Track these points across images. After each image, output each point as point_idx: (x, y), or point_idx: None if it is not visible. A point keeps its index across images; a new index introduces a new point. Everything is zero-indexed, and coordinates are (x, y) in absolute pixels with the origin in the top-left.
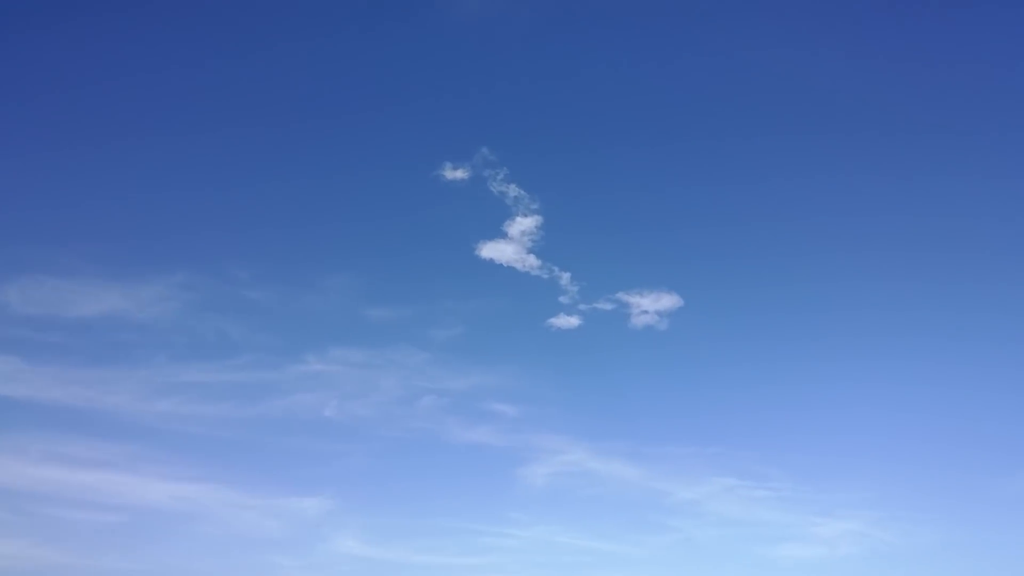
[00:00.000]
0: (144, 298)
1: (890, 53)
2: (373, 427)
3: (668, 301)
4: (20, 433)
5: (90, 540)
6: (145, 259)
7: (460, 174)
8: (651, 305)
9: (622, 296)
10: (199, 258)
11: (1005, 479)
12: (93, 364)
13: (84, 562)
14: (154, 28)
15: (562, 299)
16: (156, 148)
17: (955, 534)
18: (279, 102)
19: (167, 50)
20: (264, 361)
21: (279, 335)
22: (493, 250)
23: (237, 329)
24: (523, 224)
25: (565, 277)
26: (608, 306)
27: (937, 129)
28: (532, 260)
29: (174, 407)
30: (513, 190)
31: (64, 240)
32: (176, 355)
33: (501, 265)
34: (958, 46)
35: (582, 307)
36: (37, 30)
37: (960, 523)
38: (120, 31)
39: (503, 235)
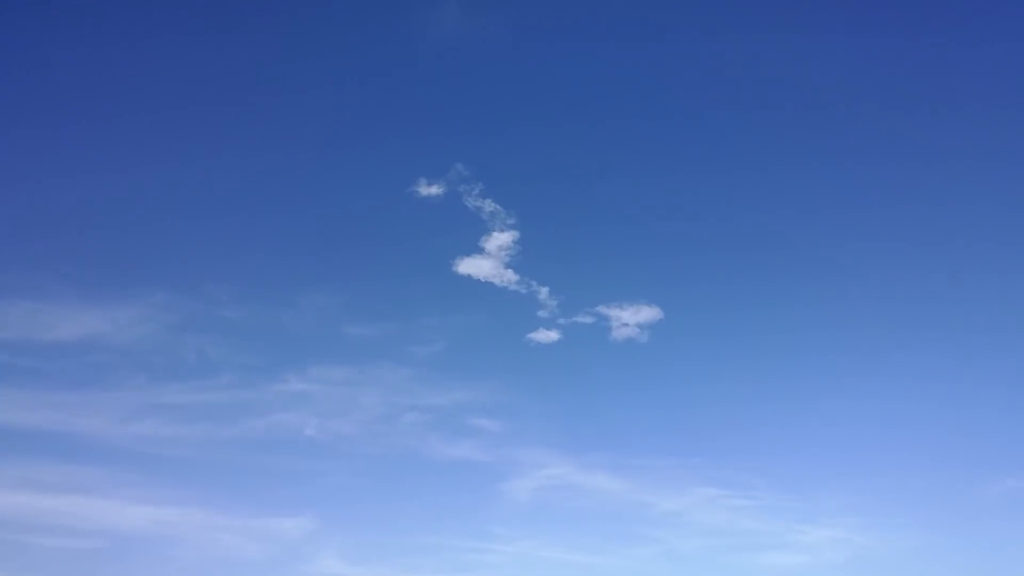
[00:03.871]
0: (122, 320)
1: (884, 54)
2: (355, 445)
3: (648, 313)
4: None
5: (67, 567)
6: (123, 280)
7: (435, 190)
8: (631, 318)
9: (602, 309)
10: (177, 278)
11: (985, 483)
12: (70, 387)
13: None
14: (130, 46)
15: (541, 313)
16: (132, 168)
17: (936, 538)
18: (255, 121)
19: (145, 68)
20: (244, 381)
21: (259, 354)
22: (471, 266)
23: (216, 349)
24: (500, 239)
25: (544, 291)
26: (588, 319)
27: (931, 127)
28: (510, 275)
29: (153, 429)
30: (489, 205)
31: (40, 262)
32: (155, 376)
33: (479, 281)
34: (954, 38)
35: (561, 321)
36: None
37: (941, 527)
38: (99, 46)
39: (480, 251)
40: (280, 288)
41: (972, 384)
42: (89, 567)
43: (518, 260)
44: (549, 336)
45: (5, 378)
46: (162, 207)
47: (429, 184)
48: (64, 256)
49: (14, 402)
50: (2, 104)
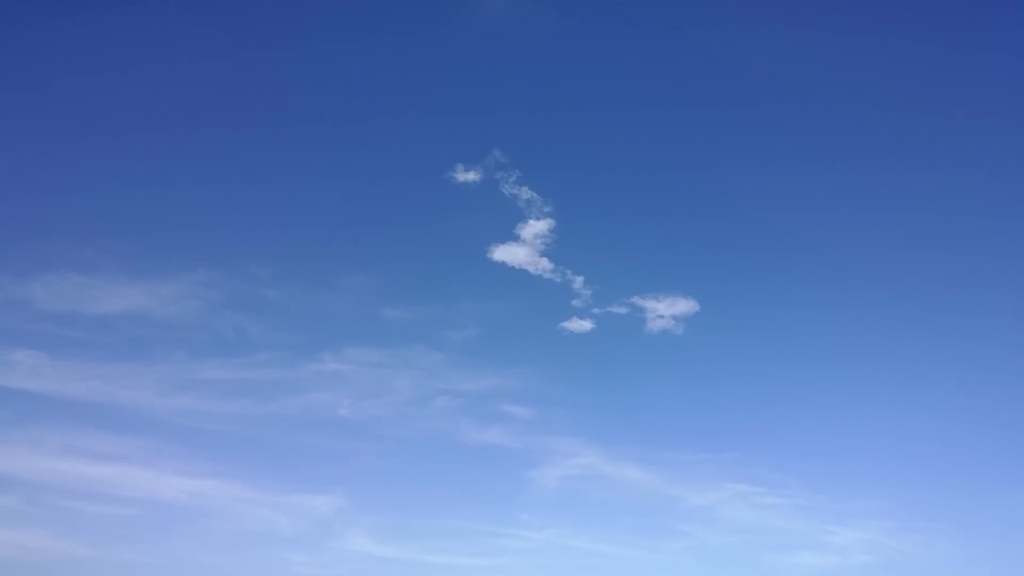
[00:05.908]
0: (166, 295)
1: (900, 59)
2: (387, 427)
3: (684, 306)
4: (40, 426)
5: (104, 532)
6: (168, 256)
7: (472, 176)
8: (667, 310)
9: (637, 300)
10: (220, 256)
11: (1020, 490)
12: (114, 360)
13: (98, 554)
14: (178, 25)
15: (575, 303)
16: (180, 147)
17: (969, 545)
18: (298, 104)
19: (193, 50)
20: (281, 359)
21: (297, 334)
22: (506, 253)
23: (256, 327)
24: (536, 227)
25: (578, 281)
26: (622, 310)
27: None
28: (545, 263)
29: (191, 403)
30: (525, 192)
31: (89, 236)
32: (195, 352)
33: (514, 268)
34: (963, 39)
35: (596, 311)
36: (57, 21)
37: (974, 534)
38: (144, 25)
39: (516, 238)
40: (319, 270)
41: (1009, 388)
42: (128, 533)
43: (553, 248)
44: (582, 325)
45: (54, 348)
46: (208, 186)
47: (466, 170)
48: (112, 232)
49: (61, 372)
50: (54, 82)
